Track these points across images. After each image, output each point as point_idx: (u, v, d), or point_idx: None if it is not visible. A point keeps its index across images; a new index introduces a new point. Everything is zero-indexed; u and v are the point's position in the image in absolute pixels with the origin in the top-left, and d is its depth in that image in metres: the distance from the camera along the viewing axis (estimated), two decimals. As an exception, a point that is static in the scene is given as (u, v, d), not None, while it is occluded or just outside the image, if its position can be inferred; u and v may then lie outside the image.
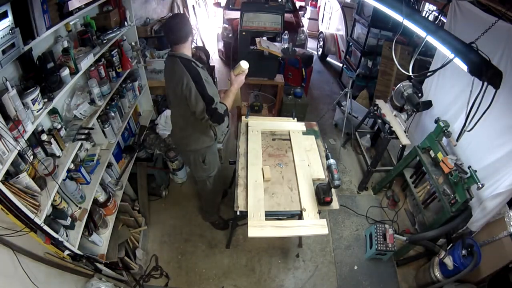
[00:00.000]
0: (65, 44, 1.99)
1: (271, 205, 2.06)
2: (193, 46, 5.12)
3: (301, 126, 2.72)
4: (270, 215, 2.04)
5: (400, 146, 3.20)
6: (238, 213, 2.03)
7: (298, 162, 2.36)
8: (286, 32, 3.47)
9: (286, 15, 5.35)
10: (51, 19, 1.73)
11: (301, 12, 6.37)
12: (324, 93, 5.50)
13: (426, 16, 3.45)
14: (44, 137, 1.85)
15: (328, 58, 6.79)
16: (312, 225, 1.95)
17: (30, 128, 1.67)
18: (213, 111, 1.99)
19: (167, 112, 3.53)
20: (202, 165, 2.43)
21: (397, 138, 3.01)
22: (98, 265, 2.19)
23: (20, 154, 1.63)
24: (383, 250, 2.68)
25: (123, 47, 2.81)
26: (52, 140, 1.90)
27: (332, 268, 2.83)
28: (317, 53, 6.95)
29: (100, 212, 2.39)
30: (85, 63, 2.13)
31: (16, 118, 1.55)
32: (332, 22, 6.45)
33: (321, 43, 6.72)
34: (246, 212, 2.00)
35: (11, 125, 1.51)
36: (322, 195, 2.04)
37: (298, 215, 2.06)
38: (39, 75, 1.77)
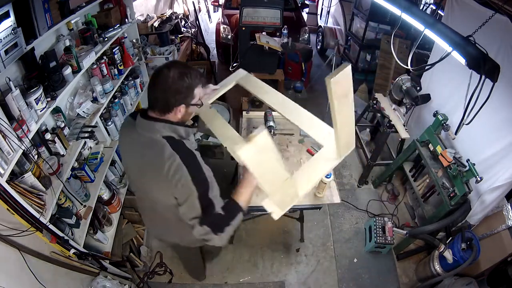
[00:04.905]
0: (67, 43, 2.00)
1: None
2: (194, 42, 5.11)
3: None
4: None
5: (399, 139, 3.22)
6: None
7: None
8: (285, 26, 3.47)
9: (288, 13, 5.33)
10: (52, 18, 1.75)
11: (305, 9, 6.21)
12: (324, 87, 5.49)
13: (423, 10, 3.45)
14: (48, 136, 1.87)
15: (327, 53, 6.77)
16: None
17: (34, 128, 1.69)
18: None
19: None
20: None
21: (396, 131, 3.00)
22: (104, 262, 2.21)
23: (25, 154, 1.65)
24: (382, 243, 2.70)
25: (124, 45, 2.80)
26: (56, 139, 1.92)
27: (334, 262, 2.86)
28: (316, 47, 6.93)
29: (105, 209, 2.42)
30: (87, 61, 2.13)
31: (20, 118, 1.56)
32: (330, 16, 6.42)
33: (320, 37, 6.70)
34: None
35: (15, 125, 1.52)
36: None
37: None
38: (42, 74, 1.78)
